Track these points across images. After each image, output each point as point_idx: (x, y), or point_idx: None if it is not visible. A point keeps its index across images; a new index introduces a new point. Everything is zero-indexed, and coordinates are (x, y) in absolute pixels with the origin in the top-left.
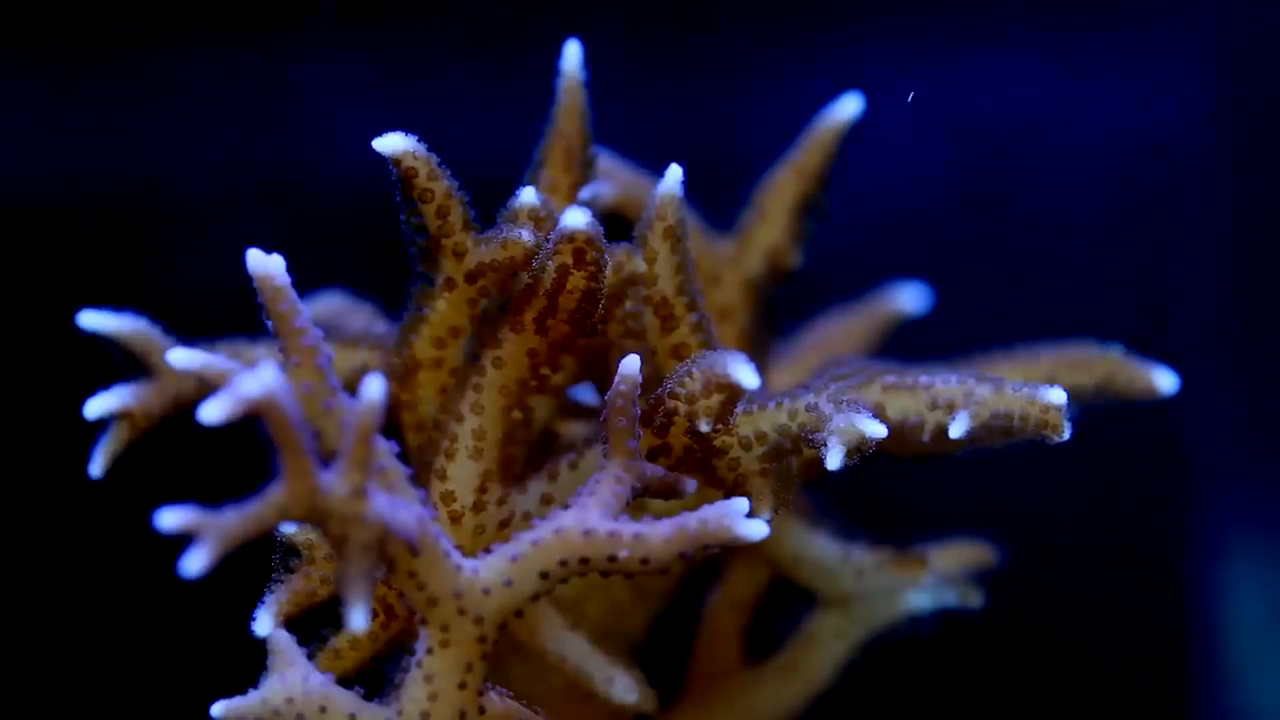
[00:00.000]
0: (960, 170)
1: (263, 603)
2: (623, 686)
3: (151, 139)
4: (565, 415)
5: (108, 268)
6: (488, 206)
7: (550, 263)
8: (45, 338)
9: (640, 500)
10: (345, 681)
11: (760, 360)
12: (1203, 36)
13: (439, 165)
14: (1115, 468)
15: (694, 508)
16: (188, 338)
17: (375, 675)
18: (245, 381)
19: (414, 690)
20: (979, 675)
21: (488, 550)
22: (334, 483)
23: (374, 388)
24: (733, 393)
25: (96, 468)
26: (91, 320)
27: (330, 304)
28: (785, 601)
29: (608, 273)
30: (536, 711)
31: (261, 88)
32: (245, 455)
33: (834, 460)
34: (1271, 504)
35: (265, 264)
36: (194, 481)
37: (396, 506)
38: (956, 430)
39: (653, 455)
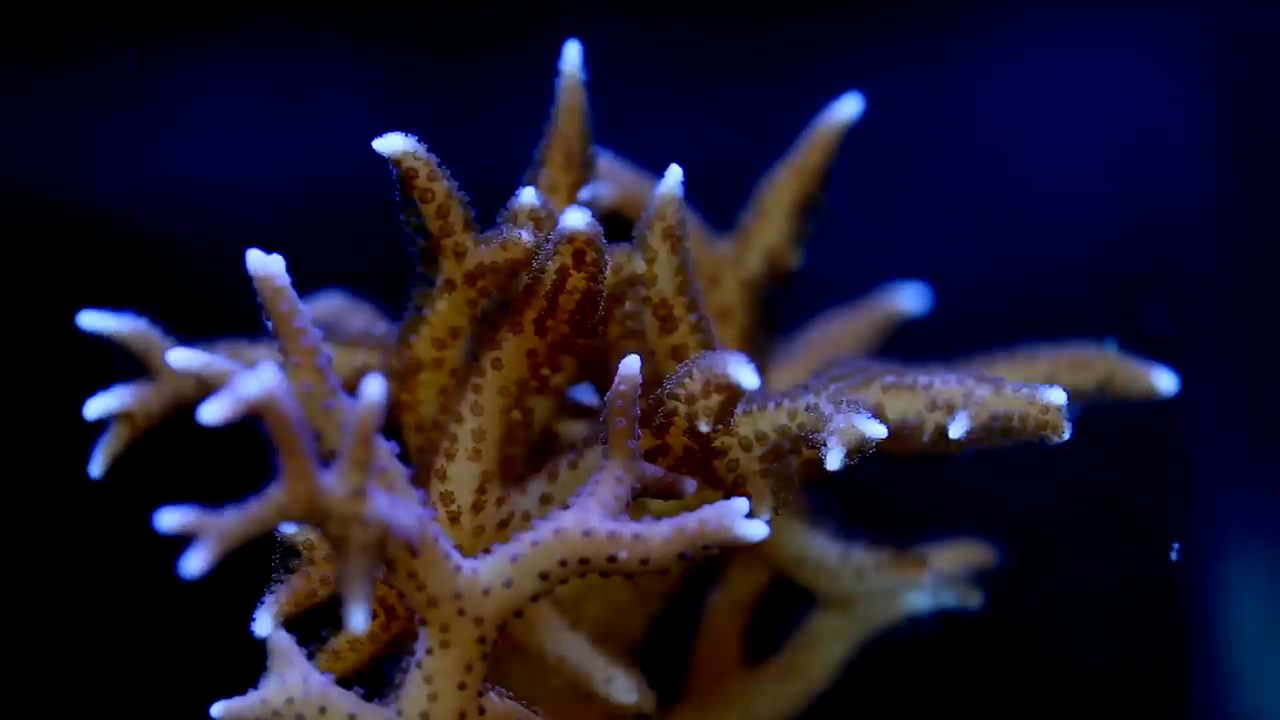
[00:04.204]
0: (960, 170)
1: (262, 603)
2: (622, 687)
3: (151, 140)
4: (565, 415)
5: (108, 268)
6: (488, 207)
7: (550, 264)
8: (45, 338)
9: (640, 500)
10: (345, 681)
11: (760, 360)
12: (1203, 32)
13: (439, 166)
14: (1115, 468)
15: (694, 508)
16: (188, 338)
17: (375, 675)
18: (245, 382)
19: (414, 690)
20: (979, 675)
21: (487, 550)
22: (333, 483)
23: (374, 388)
24: (732, 393)
25: (96, 468)
26: (91, 321)
27: (330, 304)
28: (785, 601)
29: (607, 273)
30: (536, 712)
31: (262, 88)
32: (245, 455)
33: (834, 460)
34: (1271, 504)
35: (265, 264)
36: (194, 481)
37: (396, 507)
38: (956, 430)
39: (652, 456)
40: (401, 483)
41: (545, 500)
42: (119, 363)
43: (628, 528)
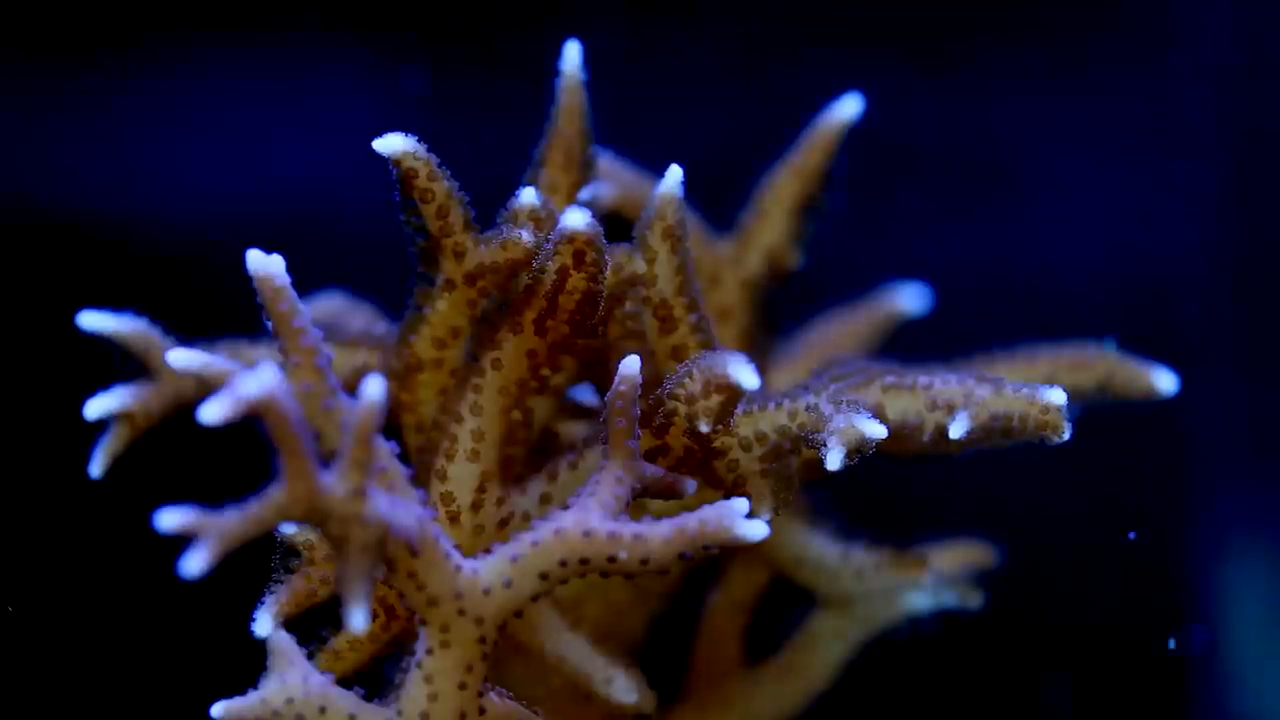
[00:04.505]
0: (961, 170)
1: (262, 603)
2: (622, 687)
3: (151, 141)
4: (565, 415)
5: (108, 268)
6: (488, 207)
7: (550, 264)
8: (45, 338)
9: (640, 500)
10: (345, 681)
11: (760, 360)
12: (1206, 44)
13: (439, 166)
14: (1115, 468)
15: (694, 508)
16: (188, 338)
17: (375, 675)
18: (245, 382)
19: (414, 690)
20: (979, 675)
21: (487, 550)
22: (334, 483)
23: (374, 388)
24: (733, 393)
25: (96, 468)
26: (92, 321)
27: (330, 304)
28: (785, 601)
29: (607, 273)
30: (536, 712)
31: (263, 88)
32: (245, 455)
33: (834, 461)
34: (1271, 504)
35: (265, 264)
36: (194, 481)
37: (396, 507)
38: (956, 431)
39: (652, 456)
40: (401, 483)
41: (545, 500)
42: (119, 363)
43: (628, 528)
